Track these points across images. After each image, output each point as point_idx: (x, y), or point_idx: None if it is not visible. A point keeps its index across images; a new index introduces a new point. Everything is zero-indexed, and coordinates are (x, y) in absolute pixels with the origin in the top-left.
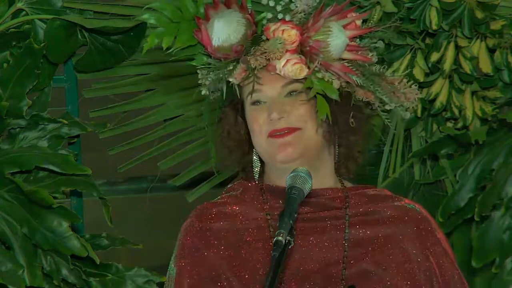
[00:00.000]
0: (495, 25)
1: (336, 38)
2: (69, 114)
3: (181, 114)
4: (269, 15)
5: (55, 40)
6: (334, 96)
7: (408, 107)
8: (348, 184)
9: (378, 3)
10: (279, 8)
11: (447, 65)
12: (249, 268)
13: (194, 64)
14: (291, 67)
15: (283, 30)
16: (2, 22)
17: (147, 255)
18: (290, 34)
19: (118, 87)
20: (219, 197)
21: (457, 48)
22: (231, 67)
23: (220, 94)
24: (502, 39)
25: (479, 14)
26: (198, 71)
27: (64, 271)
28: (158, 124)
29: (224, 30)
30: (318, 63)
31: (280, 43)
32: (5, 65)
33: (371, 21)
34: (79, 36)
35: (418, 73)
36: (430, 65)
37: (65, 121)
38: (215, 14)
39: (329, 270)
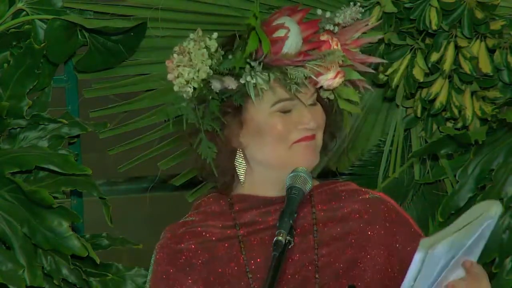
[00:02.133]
0: (495, 25)
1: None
2: (69, 114)
3: (181, 114)
4: (329, 26)
5: (55, 40)
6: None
7: None
8: (314, 182)
9: (378, 3)
10: (336, 20)
11: (447, 65)
12: (223, 285)
13: (236, 65)
14: (339, 79)
15: (336, 42)
16: (3, 22)
17: (147, 255)
18: (339, 47)
19: (118, 87)
20: (188, 214)
21: (457, 48)
22: (278, 73)
23: (216, 97)
24: (502, 39)
25: (479, 14)
26: (182, 68)
27: (65, 271)
28: (158, 124)
29: (297, 37)
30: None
31: (342, 56)
32: (5, 65)
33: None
34: (79, 36)
35: (418, 73)
36: (430, 65)
37: (65, 121)
38: (283, 20)
39: (304, 273)
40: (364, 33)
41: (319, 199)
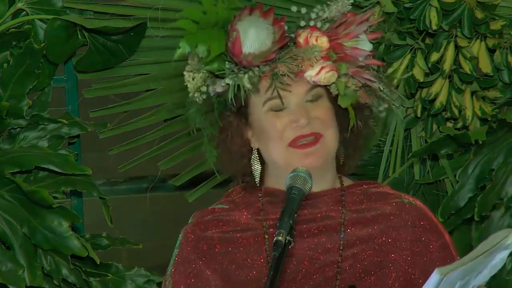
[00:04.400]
0: (495, 25)
1: (365, 45)
2: (69, 114)
3: (181, 114)
4: (302, 23)
5: (55, 40)
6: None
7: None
8: (347, 182)
9: (378, 3)
10: (313, 15)
11: (447, 65)
12: (243, 276)
13: (214, 69)
14: (324, 74)
15: (316, 37)
16: (2, 22)
17: (147, 255)
18: (322, 41)
19: (118, 87)
20: (218, 201)
21: (457, 48)
22: (257, 73)
23: (220, 100)
24: (502, 39)
25: (479, 14)
26: (190, 74)
27: (64, 271)
28: (158, 124)
29: (258, 38)
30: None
31: (317, 51)
32: (5, 65)
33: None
34: (79, 36)
35: (418, 73)
36: (430, 65)
37: (65, 121)
38: (242, 21)
39: (326, 272)
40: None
41: (350, 199)
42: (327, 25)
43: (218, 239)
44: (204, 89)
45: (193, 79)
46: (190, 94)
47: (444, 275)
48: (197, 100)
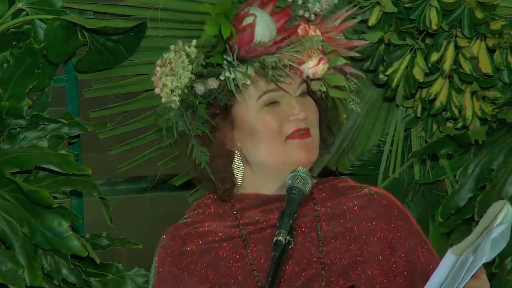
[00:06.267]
0: (495, 25)
1: (344, 38)
2: (69, 114)
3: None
4: (301, 12)
5: (55, 40)
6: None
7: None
8: (312, 180)
9: (378, 3)
10: (310, 6)
11: (447, 65)
12: (231, 284)
13: (213, 62)
14: (322, 66)
15: (314, 28)
16: (2, 22)
17: (147, 255)
18: (318, 32)
19: (118, 87)
20: (187, 215)
21: (457, 48)
22: (257, 65)
23: (204, 99)
24: (502, 39)
25: (479, 14)
26: (168, 78)
27: (64, 271)
28: (158, 124)
29: (269, 25)
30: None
31: (320, 41)
32: (5, 65)
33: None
34: (79, 36)
35: (418, 73)
36: (430, 65)
37: (65, 121)
38: (251, 10)
39: (311, 269)
40: (363, 32)
41: (320, 197)
42: (313, 17)
43: (198, 251)
44: (179, 91)
45: (171, 82)
46: (165, 99)
47: (460, 255)
48: (173, 104)
